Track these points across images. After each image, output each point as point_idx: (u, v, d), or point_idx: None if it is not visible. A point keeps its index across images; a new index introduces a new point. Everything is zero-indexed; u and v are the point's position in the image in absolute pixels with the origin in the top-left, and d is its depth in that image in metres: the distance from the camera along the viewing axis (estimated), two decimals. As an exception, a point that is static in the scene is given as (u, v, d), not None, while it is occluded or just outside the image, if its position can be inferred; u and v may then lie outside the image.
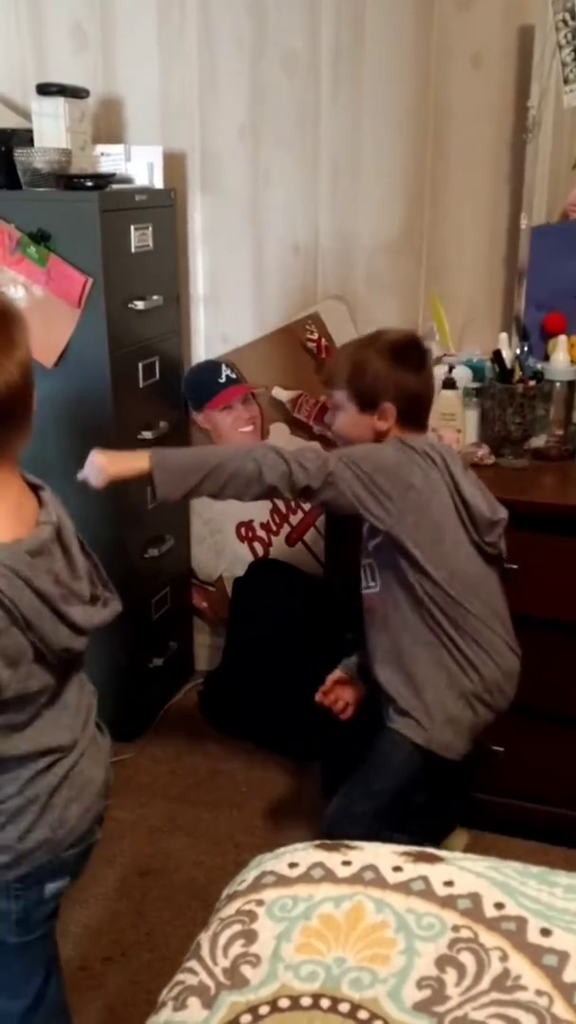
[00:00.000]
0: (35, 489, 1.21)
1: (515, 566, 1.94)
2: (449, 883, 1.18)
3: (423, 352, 1.79)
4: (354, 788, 1.76)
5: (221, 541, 2.79)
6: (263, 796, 2.35)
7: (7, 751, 1.17)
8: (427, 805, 1.88)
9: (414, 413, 1.77)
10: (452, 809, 2.06)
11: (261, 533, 2.74)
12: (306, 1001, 1.04)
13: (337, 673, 1.92)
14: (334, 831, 1.60)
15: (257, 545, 2.75)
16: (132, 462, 1.58)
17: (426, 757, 1.72)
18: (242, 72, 2.42)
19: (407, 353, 1.75)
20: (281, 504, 2.69)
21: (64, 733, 1.22)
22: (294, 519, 2.70)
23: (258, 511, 2.71)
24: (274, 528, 2.73)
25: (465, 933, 1.11)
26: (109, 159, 2.37)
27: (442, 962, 1.07)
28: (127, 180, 2.37)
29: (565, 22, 2.13)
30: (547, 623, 1.97)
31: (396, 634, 1.75)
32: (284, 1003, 1.04)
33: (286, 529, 2.72)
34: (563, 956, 1.08)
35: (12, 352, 1.08)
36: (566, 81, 2.19)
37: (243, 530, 2.76)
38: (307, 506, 2.66)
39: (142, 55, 2.48)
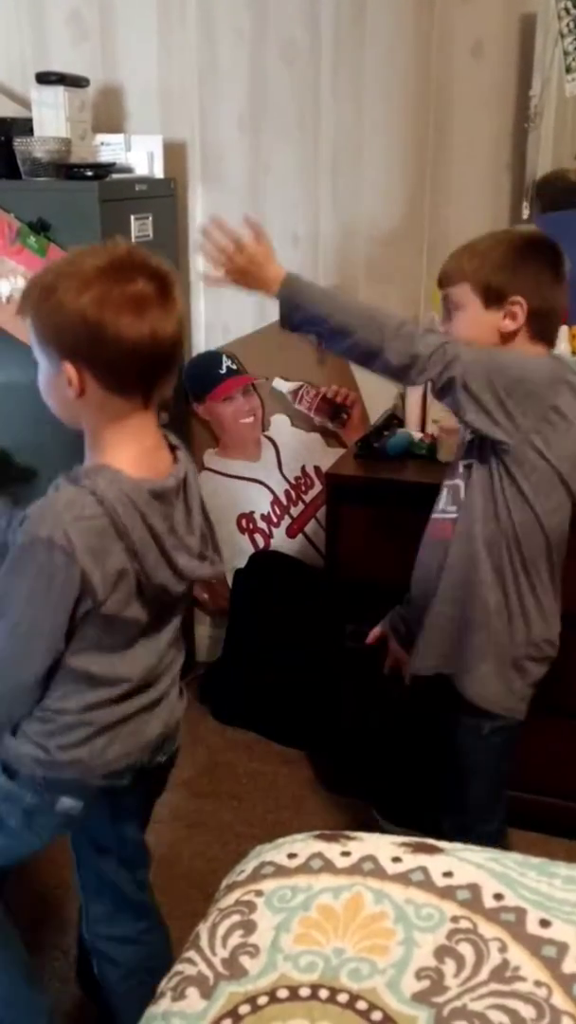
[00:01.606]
0: (173, 449, 1.31)
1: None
2: (448, 874, 1.18)
3: (560, 256, 1.57)
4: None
5: (222, 533, 2.77)
6: (264, 787, 2.36)
7: (88, 667, 1.24)
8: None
9: (546, 321, 1.57)
10: None
11: (262, 525, 2.74)
12: (305, 992, 1.04)
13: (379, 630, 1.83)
14: None
15: (258, 537, 2.75)
16: (264, 283, 1.62)
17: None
18: (242, 61, 2.41)
19: (544, 250, 1.57)
20: (282, 496, 2.69)
21: (142, 672, 1.31)
22: (295, 511, 2.70)
23: (259, 503, 2.71)
24: (275, 520, 2.72)
25: (464, 924, 1.11)
26: (109, 148, 2.36)
27: (441, 953, 1.07)
28: (127, 170, 2.36)
29: (567, 10, 2.12)
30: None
31: (458, 568, 1.61)
32: (283, 994, 1.04)
33: (287, 521, 2.71)
34: (562, 947, 1.07)
35: (172, 309, 1.20)
36: (568, 70, 2.17)
37: (244, 522, 2.75)
38: (308, 498, 2.66)
39: (142, 44, 2.46)
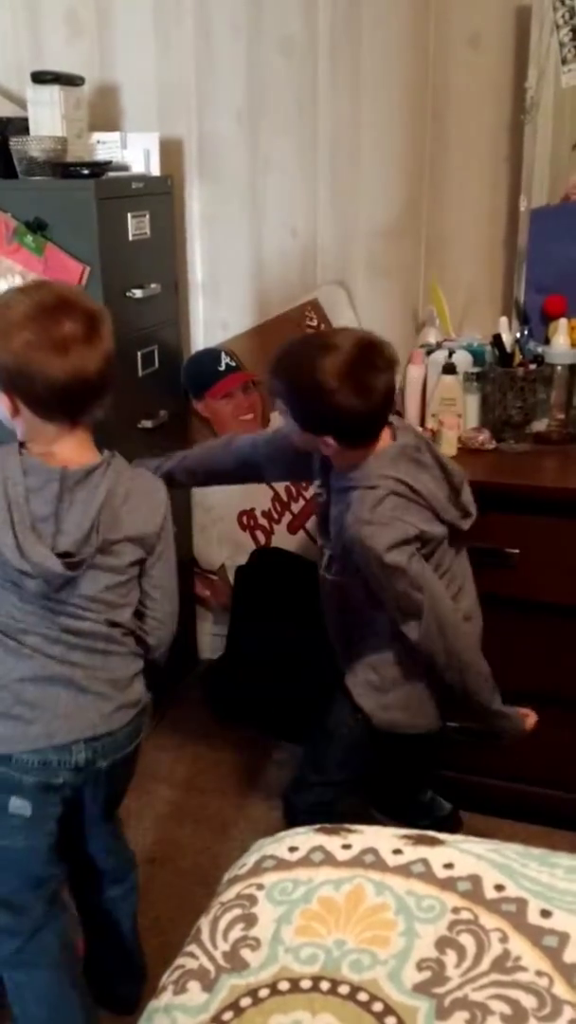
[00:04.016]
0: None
1: (516, 550, 1.94)
2: (449, 865, 1.18)
3: (375, 367, 1.56)
4: None
5: (223, 530, 2.78)
6: (267, 783, 2.36)
7: None
8: None
9: (360, 433, 1.61)
10: None
11: (263, 521, 2.74)
12: (306, 984, 1.04)
13: None
14: None
15: (259, 533, 2.75)
16: None
17: None
18: (239, 56, 2.40)
19: (352, 375, 1.54)
20: (283, 492, 2.69)
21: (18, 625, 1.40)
22: (296, 507, 2.70)
23: (260, 499, 2.71)
24: (276, 516, 2.72)
25: (465, 915, 1.11)
26: (105, 147, 2.36)
27: (442, 944, 1.07)
28: (123, 168, 2.36)
29: (562, 1, 2.11)
30: (549, 607, 1.97)
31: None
32: (284, 986, 1.04)
33: (288, 517, 2.71)
34: (563, 937, 1.08)
35: (98, 345, 1.34)
36: (564, 61, 2.17)
37: (245, 518, 2.75)
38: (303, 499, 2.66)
39: (138, 41, 2.46)
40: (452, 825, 2.09)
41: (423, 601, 1.61)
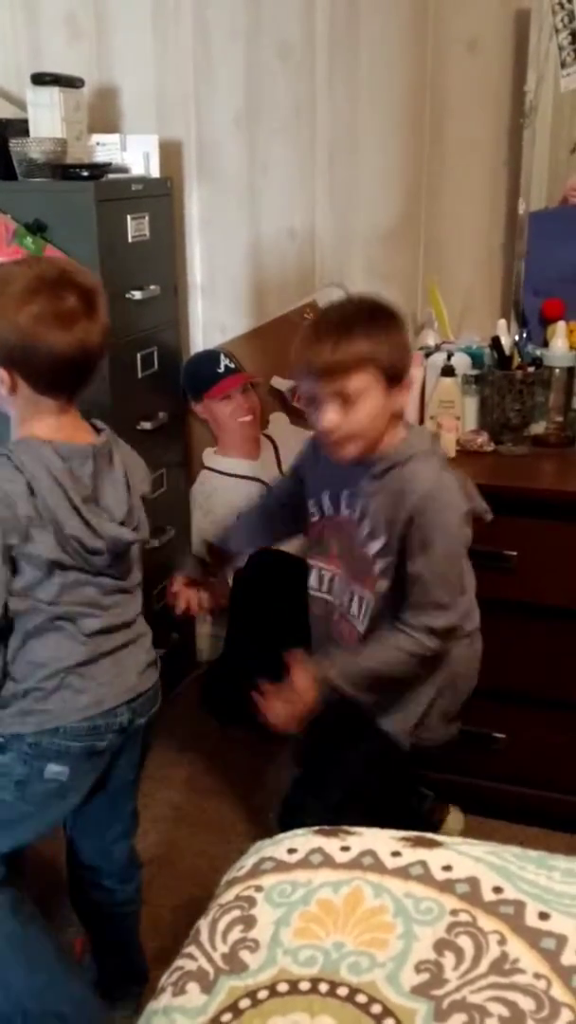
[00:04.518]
0: (99, 431, 1.45)
1: (515, 553, 1.94)
2: (447, 868, 1.18)
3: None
4: None
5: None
6: (265, 785, 2.36)
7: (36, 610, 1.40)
8: None
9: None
10: None
11: (262, 523, 2.74)
12: (304, 985, 1.04)
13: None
14: None
15: (258, 535, 2.75)
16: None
17: None
18: (237, 59, 2.41)
19: (387, 311, 1.55)
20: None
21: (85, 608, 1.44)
22: (294, 509, 2.70)
23: (258, 501, 2.71)
24: (275, 518, 2.72)
25: (463, 917, 1.11)
26: (105, 149, 2.36)
27: (440, 946, 1.07)
28: (123, 169, 2.36)
29: (561, 5, 2.12)
30: (548, 610, 1.97)
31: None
32: (283, 987, 1.04)
33: (286, 519, 2.71)
34: (561, 939, 1.08)
35: (98, 320, 1.34)
36: (563, 65, 2.17)
37: (244, 520, 2.75)
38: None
39: (137, 44, 2.47)
40: (438, 813, 2.10)
41: (468, 587, 1.58)
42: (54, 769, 1.42)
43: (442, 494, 1.54)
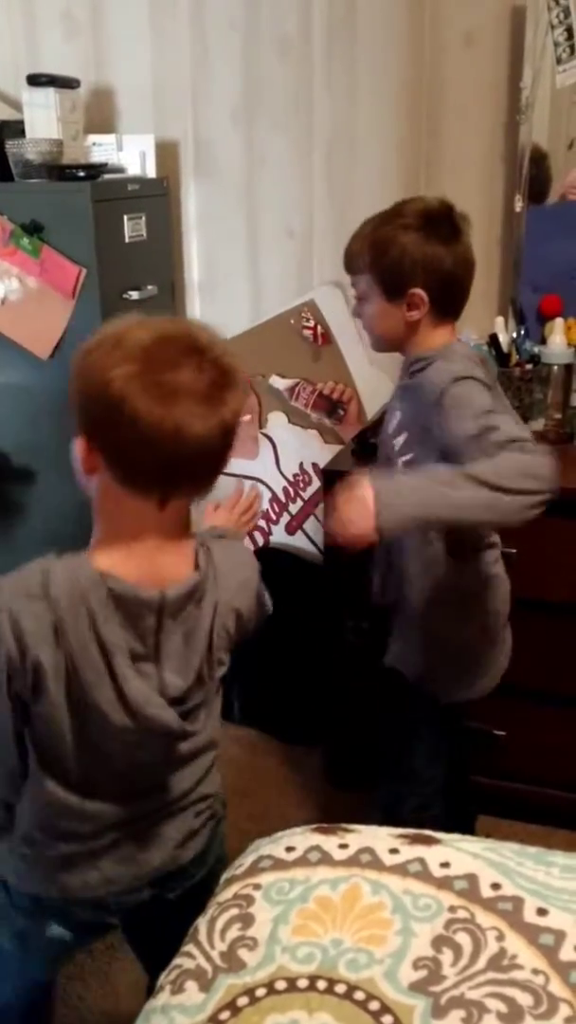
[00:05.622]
0: (198, 563, 1.14)
1: (514, 550, 1.94)
2: (445, 864, 1.18)
3: (457, 220, 1.50)
4: None
5: (221, 530, 2.78)
6: (265, 783, 2.36)
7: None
8: None
9: (449, 299, 1.52)
10: None
11: (260, 522, 2.74)
12: (303, 983, 1.04)
13: None
14: None
15: (257, 534, 2.75)
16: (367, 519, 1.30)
17: None
18: (234, 56, 2.41)
19: (438, 223, 1.49)
20: (281, 493, 2.69)
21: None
22: (293, 508, 2.70)
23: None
24: (274, 517, 2.73)
25: (461, 913, 1.11)
26: (101, 149, 2.36)
27: (438, 942, 1.07)
28: (119, 170, 2.37)
29: (556, 1, 2.12)
30: (547, 605, 1.97)
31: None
32: (281, 985, 1.04)
33: (286, 518, 2.71)
34: (559, 935, 1.08)
35: (218, 407, 1.04)
36: (559, 61, 2.17)
37: (243, 519, 2.75)
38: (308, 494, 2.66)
39: (134, 42, 2.46)
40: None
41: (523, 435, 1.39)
42: (56, 931, 1.23)
43: (458, 372, 1.44)
